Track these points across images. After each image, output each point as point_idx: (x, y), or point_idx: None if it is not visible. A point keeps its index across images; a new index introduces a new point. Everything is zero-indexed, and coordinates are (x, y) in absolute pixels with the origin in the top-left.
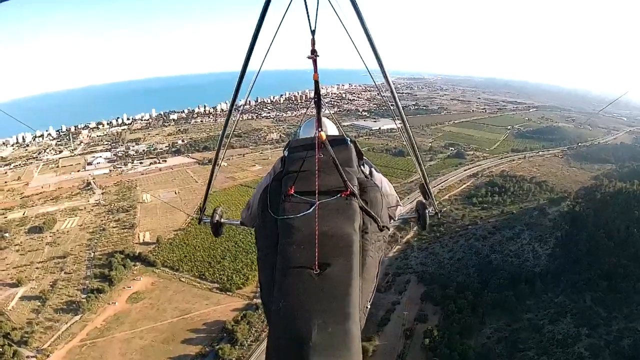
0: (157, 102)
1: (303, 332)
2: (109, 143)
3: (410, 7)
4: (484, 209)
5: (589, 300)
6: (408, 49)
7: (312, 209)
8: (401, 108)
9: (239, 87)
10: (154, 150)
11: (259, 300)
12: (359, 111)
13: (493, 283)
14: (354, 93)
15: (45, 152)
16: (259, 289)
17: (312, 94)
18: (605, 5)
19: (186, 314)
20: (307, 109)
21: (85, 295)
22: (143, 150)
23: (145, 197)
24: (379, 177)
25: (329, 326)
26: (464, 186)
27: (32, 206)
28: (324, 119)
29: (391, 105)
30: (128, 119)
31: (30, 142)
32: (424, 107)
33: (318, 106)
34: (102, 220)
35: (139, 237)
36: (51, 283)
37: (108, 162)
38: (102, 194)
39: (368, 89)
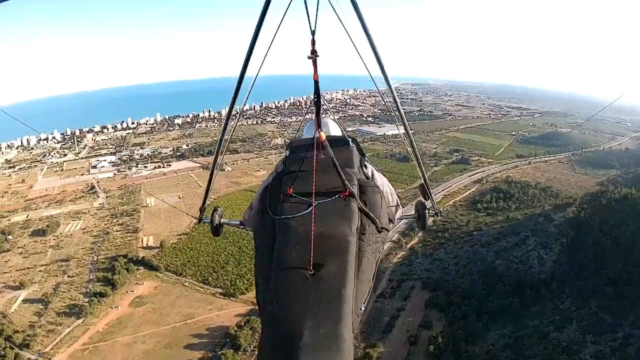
0: (161, 107)
1: (294, 333)
2: (114, 147)
3: (415, 14)
4: (489, 214)
5: (595, 307)
6: (413, 55)
7: (309, 209)
8: (401, 109)
9: (238, 87)
10: (158, 154)
11: None
12: (363, 117)
13: (498, 289)
14: (358, 98)
15: (49, 155)
16: (255, 287)
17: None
18: (605, 10)
19: (189, 318)
20: (309, 109)
21: (87, 299)
22: (147, 155)
23: (149, 201)
24: (380, 179)
25: (320, 328)
26: (468, 192)
27: (36, 209)
28: (327, 120)
29: (391, 106)
30: (133, 123)
31: (35, 145)
32: (429, 113)
33: (317, 106)
34: (105, 224)
35: (142, 241)
36: (54, 286)
37: (112, 165)
38: (106, 197)
39: (372, 94)
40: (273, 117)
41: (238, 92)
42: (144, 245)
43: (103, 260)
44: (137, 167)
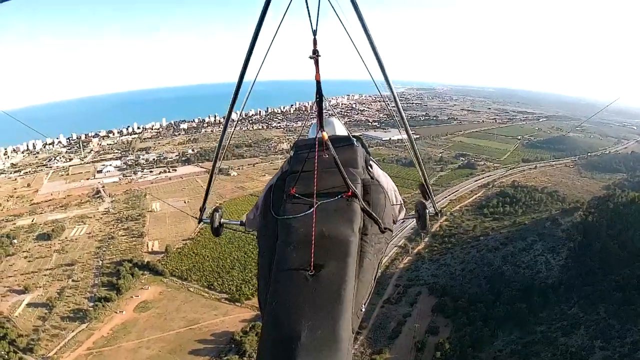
0: (167, 112)
1: (292, 333)
2: (119, 151)
3: (420, 19)
4: (496, 219)
5: (603, 312)
6: (418, 60)
7: (311, 209)
8: (401, 109)
9: (238, 87)
10: (163, 159)
11: None
12: (369, 122)
13: (505, 295)
14: (364, 103)
15: (55, 159)
16: (257, 288)
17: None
18: (608, 15)
19: (194, 324)
20: (311, 109)
21: (92, 304)
22: (153, 159)
23: (155, 206)
24: (384, 178)
25: (319, 328)
26: (475, 197)
27: (41, 213)
28: (332, 119)
29: (392, 106)
30: (138, 128)
31: (41, 149)
32: (434, 118)
33: (320, 106)
34: (110, 229)
35: (147, 246)
36: (58, 290)
37: (118, 170)
38: (111, 202)
39: (378, 99)
40: (279, 122)
41: (238, 92)
42: (149, 250)
43: (108, 265)
44: (142, 171)
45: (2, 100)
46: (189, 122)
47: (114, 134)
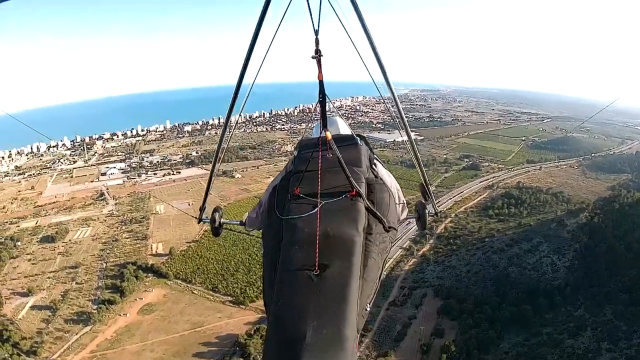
0: (171, 114)
1: (298, 333)
2: (123, 154)
3: (424, 21)
4: (501, 221)
5: (609, 314)
6: (422, 62)
7: (315, 209)
8: (402, 110)
9: (238, 87)
10: (167, 161)
11: None
12: (373, 123)
13: (511, 297)
14: (368, 105)
15: (59, 162)
16: (262, 288)
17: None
18: (611, 16)
19: (198, 326)
20: (315, 108)
21: (96, 306)
22: (157, 162)
23: (159, 209)
24: (388, 177)
25: (324, 328)
26: (479, 198)
27: (45, 215)
28: (336, 118)
29: (392, 105)
30: (142, 130)
31: (45, 151)
32: (439, 119)
33: (323, 106)
34: (114, 231)
35: (151, 248)
36: (62, 293)
37: (122, 172)
38: (115, 204)
39: (382, 100)
40: (283, 124)
41: (238, 93)
42: (153, 252)
43: (112, 268)
44: (146, 174)
45: (6, 103)
46: (193, 124)
47: (118, 137)
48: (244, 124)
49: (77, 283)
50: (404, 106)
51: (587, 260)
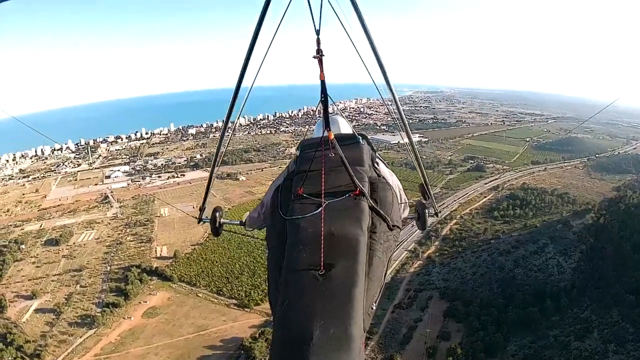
0: (175, 117)
1: (305, 333)
2: (128, 157)
3: (428, 23)
4: (506, 222)
5: (616, 316)
6: (425, 63)
7: (319, 209)
8: (402, 111)
9: (238, 88)
10: (172, 164)
11: None
12: (377, 125)
13: (517, 299)
14: (372, 107)
15: (63, 165)
16: (267, 288)
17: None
18: (614, 16)
19: (203, 330)
20: (317, 108)
21: (100, 309)
22: (161, 164)
23: (163, 211)
24: (390, 176)
25: (331, 328)
26: (485, 199)
27: (49, 218)
28: (337, 117)
29: (391, 105)
30: (147, 133)
31: (49, 155)
32: (442, 121)
33: (325, 105)
34: (119, 234)
35: (156, 251)
36: (66, 296)
37: (126, 175)
38: (119, 207)
39: (387, 102)
40: (287, 127)
41: (237, 93)
42: (158, 255)
43: (116, 271)
44: (151, 177)
45: (10, 106)
46: (197, 127)
47: (122, 140)
48: (248, 127)
49: (81, 286)
50: (408, 108)
51: (594, 262)
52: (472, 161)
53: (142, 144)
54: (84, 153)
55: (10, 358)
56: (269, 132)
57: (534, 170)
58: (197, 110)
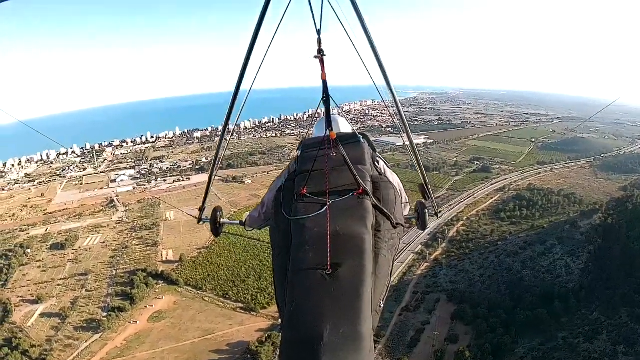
0: (181, 120)
1: (315, 333)
2: (133, 161)
3: (432, 24)
4: (513, 223)
5: (625, 317)
6: (430, 65)
7: (323, 209)
8: (402, 111)
9: (238, 88)
10: (177, 167)
11: None
12: (382, 127)
13: (525, 300)
14: (377, 109)
15: (69, 169)
16: (274, 289)
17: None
18: (618, 16)
19: (209, 334)
20: (317, 107)
21: (106, 314)
22: (167, 168)
23: (169, 215)
24: (391, 175)
25: (340, 327)
26: (491, 200)
27: (55, 223)
28: (336, 117)
29: (392, 105)
30: (152, 137)
31: (55, 159)
32: (448, 122)
33: (327, 105)
34: (124, 238)
35: (161, 255)
36: (72, 300)
37: (132, 179)
38: (125, 211)
39: (387, 103)
40: (292, 130)
41: (237, 94)
42: (164, 259)
43: (122, 275)
44: (156, 180)
45: (17, 110)
46: (202, 130)
47: (127, 144)
48: (253, 130)
49: (86, 290)
50: (413, 109)
51: (602, 262)
52: (478, 162)
53: (148, 147)
54: (89, 157)
55: None
56: (274, 135)
57: (540, 170)
58: (202, 114)
